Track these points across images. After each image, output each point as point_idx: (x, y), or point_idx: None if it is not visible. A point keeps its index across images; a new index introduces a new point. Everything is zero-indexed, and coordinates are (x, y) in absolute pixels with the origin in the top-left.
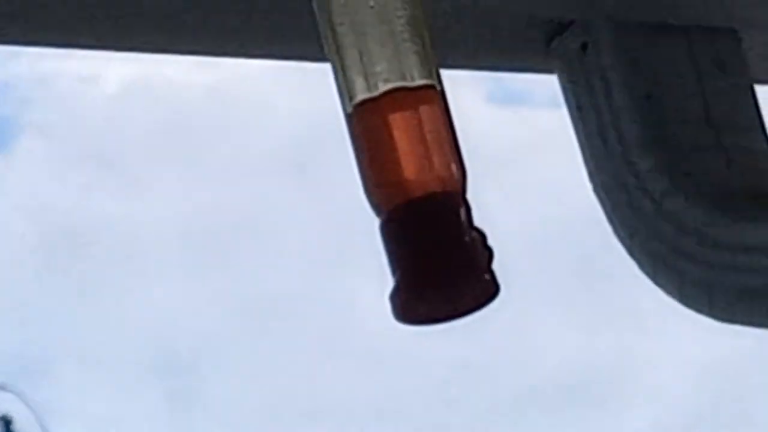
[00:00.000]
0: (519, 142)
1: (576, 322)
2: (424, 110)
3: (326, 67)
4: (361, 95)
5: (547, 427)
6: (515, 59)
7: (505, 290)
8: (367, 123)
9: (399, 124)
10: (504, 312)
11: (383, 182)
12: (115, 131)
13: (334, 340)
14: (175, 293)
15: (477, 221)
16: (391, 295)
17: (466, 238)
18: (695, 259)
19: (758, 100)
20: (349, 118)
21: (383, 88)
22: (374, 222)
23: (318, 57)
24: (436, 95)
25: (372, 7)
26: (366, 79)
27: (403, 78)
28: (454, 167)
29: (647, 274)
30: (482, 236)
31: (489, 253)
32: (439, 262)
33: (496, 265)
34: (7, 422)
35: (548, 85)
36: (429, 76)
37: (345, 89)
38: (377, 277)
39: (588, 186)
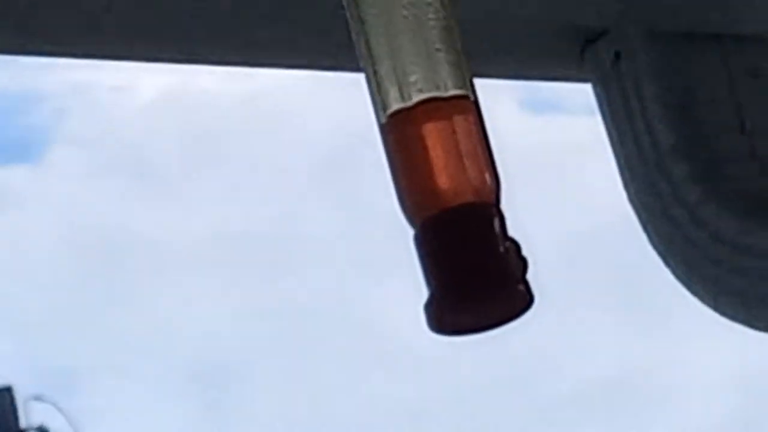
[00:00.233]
0: (553, 149)
1: (611, 331)
2: (457, 120)
3: (360, 78)
4: (394, 105)
5: None
6: (548, 68)
7: (540, 299)
8: (401, 133)
9: (433, 134)
10: (539, 321)
11: (417, 192)
12: (148, 141)
13: (368, 350)
14: (209, 303)
15: (511, 231)
16: (426, 306)
17: (501, 249)
18: (730, 267)
19: None
20: (383, 128)
21: (417, 98)
22: (408, 232)
23: (352, 67)
24: (470, 105)
25: (405, 17)
26: (400, 89)
27: (437, 88)
28: (488, 177)
29: (682, 282)
30: (517, 246)
31: (523, 263)
32: (474, 273)
33: (530, 276)
34: None
35: (582, 92)
36: (463, 86)
37: (379, 99)
38: (411, 287)
39: (623, 194)
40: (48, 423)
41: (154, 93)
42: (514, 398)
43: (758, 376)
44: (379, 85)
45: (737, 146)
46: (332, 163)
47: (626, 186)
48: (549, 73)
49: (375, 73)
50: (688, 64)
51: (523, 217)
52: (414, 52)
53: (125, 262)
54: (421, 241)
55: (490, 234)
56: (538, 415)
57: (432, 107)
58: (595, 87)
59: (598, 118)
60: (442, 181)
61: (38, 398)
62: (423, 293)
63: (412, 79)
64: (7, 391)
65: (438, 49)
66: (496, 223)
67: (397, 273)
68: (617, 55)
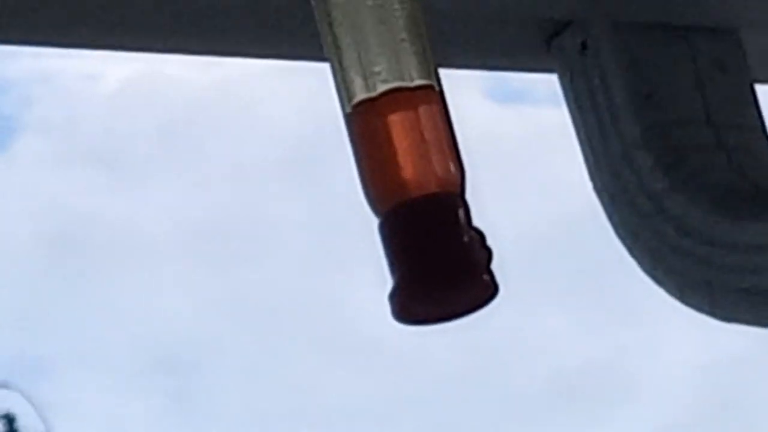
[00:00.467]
0: (519, 140)
1: (577, 322)
2: (423, 110)
3: (326, 67)
4: (359, 95)
5: (548, 428)
6: (514, 59)
7: (504, 290)
8: (366, 123)
9: (397, 124)
10: (504, 312)
11: (381, 182)
12: (116, 130)
13: (333, 340)
14: (175, 293)
15: (476, 221)
16: (390, 296)
17: (465, 238)
18: (696, 258)
19: (758, 99)
20: (348, 118)
21: (382, 88)
22: (373, 222)
23: (318, 57)
24: (435, 95)
25: (371, 7)
26: (365, 79)
27: (402, 78)
28: (453, 167)
29: (648, 273)
30: (481, 236)
31: (488, 253)
32: (438, 262)
33: (495, 266)
34: (11, 420)
35: (548, 82)
36: (428, 76)
37: (344, 89)
38: (376, 278)
39: (588, 185)
40: (15, 410)
41: (121, 81)
42: (482, 390)
43: (724, 366)
44: (344, 74)
45: (703, 138)
46: (298, 152)
47: (592, 176)
48: (515, 63)
49: (340, 63)
50: (654, 56)
51: (488, 207)
52: (379, 42)
53: (91, 252)
54: (385, 231)
55: (454, 224)
56: (505, 408)
57: (397, 97)
58: (561, 78)
59: (564, 109)
60: (407, 171)
61: (4, 386)
62: (388, 283)
63: (377, 69)
64: None
65: (403, 39)
66: (461, 213)
67: (365, 265)
68: (583, 45)
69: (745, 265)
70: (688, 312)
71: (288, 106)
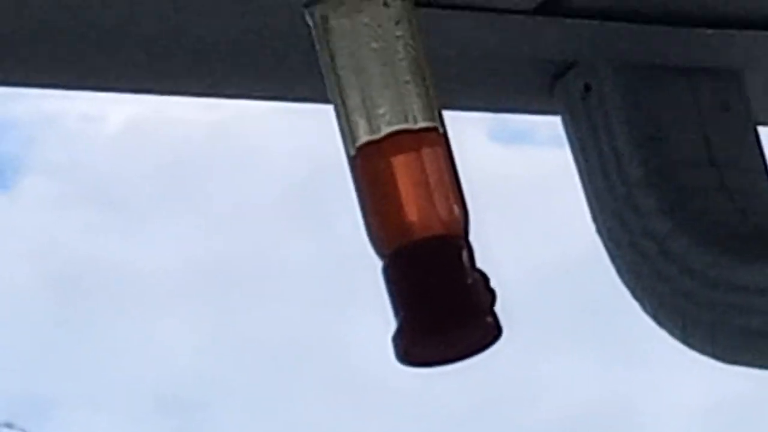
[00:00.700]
0: (522, 181)
1: (579, 364)
2: (426, 153)
3: (329, 108)
4: (363, 137)
5: None
6: (518, 101)
7: (507, 332)
8: (370, 165)
9: (401, 166)
10: (507, 354)
11: (385, 225)
12: (117, 171)
13: (337, 381)
14: (178, 334)
15: (480, 263)
16: (394, 338)
17: (469, 281)
18: (698, 300)
19: (761, 140)
20: (352, 160)
21: (386, 130)
22: (377, 264)
23: (322, 98)
24: (439, 138)
25: (374, 50)
26: (369, 121)
27: (406, 120)
28: (456, 210)
29: (650, 315)
30: (485, 278)
31: (492, 295)
32: (442, 305)
33: (498, 308)
34: None
35: (551, 124)
36: (432, 118)
37: (348, 131)
38: (381, 319)
39: (591, 226)
40: None
41: (123, 123)
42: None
43: (727, 408)
44: (348, 116)
45: (706, 179)
46: (301, 194)
47: (594, 218)
48: (519, 105)
49: (344, 104)
50: (657, 97)
51: (491, 249)
52: (383, 84)
53: (95, 293)
54: (389, 273)
55: (458, 266)
56: None
57: (401, 139)
58: (564, 119)
59: (567, 150)
60: (411, 213)
61: (9, 426)
62: (392, 325)
63: (381, 111)
64: None
65: (407, 81)
66: (465, 255)
67: (369, 306)
68: (587, 87)
69: (748, 306)
70: (692, 353)
71: (290, 146)
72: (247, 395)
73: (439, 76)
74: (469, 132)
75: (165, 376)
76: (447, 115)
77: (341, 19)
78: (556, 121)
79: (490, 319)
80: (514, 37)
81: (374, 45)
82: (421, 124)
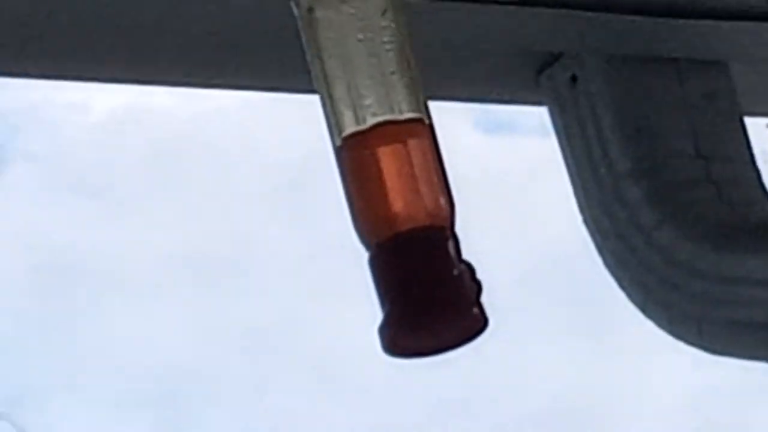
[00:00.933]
0: (508, 171)
1: (566, 354)
2: (412, 143)
3: (316, 99)
4: (349, 128)
5: None
6: (505, 91)
7: (494, 322)
8: (356, 156)
9: (387, 157)
10: (493, 344)
11: (371, 215)
12: (103, 160)
13: (321, 371)
14: (165, 323)
15: (465, 254)
16: (380, 328)
17: (455, 272)
18: (684, 290)
19: (747, 131)
20: (338, 150)
21: (372, 121)
22: (363, 255)
23: (308, 89)
24: (425, 128)
25: (360, 40)
26: (354, 112)
27: (392, 111)
28: (442, 200)
29: (637, 305)
30: (471, 269)
31: (477, 286)
32: (428, 296)
33: (484, 298)
34: None
35: (537, 113)
36: (417, 109)
37: (334, 122)
38: (366, 309)
39: (578, 217)
40: None
41: (109, 111)
42: (472, 422)
43: (714, 397)
44: (333, 107)
45: (693, 170)
46: (289, 184)
47: (581, 209)
48: (505, 95)
49: (330, 96)
50: (644, 88)
51: (477, 239)
52: (369, 75)
53: (81, 282)
54: (375, 264)
55: (444, 257)
56: None
57: (387, 130)
58: (550, 110)
59: (553, 140)
60: (397, 204)
61: (0, 417)
62: (378, 315)
63: (367, 102)
64: None
65: (393, 72)
66: (450, 246)
67: (354, 296)
68: (573, 78)
69: (734, 297)
70: (677, 344)
71: (277, 137)
72: (229, 385)
73: (425, 67)
74: (454, 121)
75: (153, 367)
76: (433, 105)
77: (327, 10)
78: (541, 110)
79: (476, 309)
80: (500, 28)
81: (360, 36)
82: (407, 115)
